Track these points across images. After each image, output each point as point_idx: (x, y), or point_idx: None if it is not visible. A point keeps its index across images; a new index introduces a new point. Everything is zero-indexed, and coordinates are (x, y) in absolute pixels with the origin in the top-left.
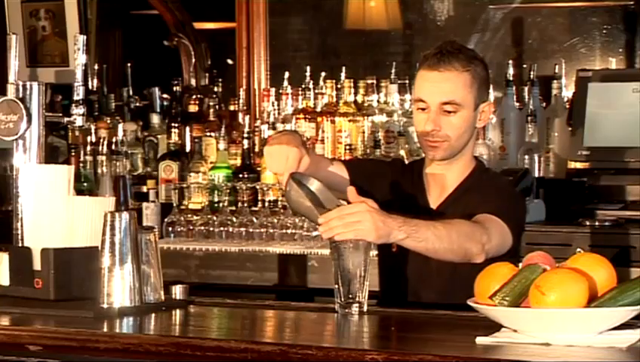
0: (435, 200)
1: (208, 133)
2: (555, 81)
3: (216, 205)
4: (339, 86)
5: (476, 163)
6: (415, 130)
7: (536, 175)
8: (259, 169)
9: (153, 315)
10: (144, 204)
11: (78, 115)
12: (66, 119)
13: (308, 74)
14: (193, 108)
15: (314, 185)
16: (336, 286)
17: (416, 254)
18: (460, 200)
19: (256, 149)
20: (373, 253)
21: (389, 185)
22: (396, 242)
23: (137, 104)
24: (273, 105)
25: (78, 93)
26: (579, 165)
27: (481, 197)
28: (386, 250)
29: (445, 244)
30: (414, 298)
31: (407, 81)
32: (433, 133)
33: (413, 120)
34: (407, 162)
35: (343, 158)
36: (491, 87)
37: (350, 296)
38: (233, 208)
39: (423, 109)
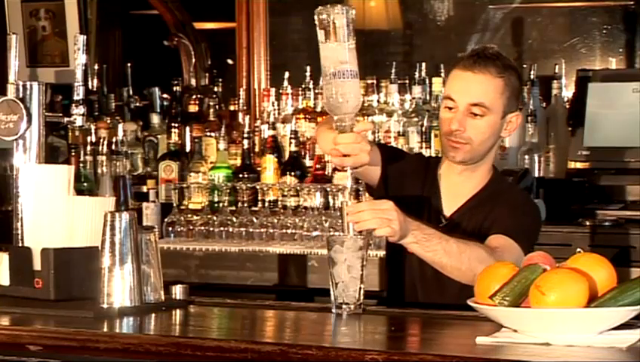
0: (448, 207)
1: (208, 133)
2: (555, 81)
3: (216, 205)
4: None
5: (493, 172)
6: (440, 128)
7: (536, 175)
8: (259, 169)
9: (153, 315)
10: (144, 204)
11: (78, 115)
12: (66, 119)
13: (308, 74)
14: (193, 108)
15: None
16: (333, 286)
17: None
18: (474, 212)
19: (257, 149)
20: (372, 253)
21: (412, 183)
22: (405, 245)
23: (137, 104)
24: (273, 105)
25: (78, 93)
26: (579, 165)
27: (498, 213)
28: (399, 251)
29: (453, 262)
30: (428, 300)
31: (407, 81)
32: (457, 133)
33: (439, 120)
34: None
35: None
36: None
37: (347, 295)
38: (233, 208)
39: (451, 108)
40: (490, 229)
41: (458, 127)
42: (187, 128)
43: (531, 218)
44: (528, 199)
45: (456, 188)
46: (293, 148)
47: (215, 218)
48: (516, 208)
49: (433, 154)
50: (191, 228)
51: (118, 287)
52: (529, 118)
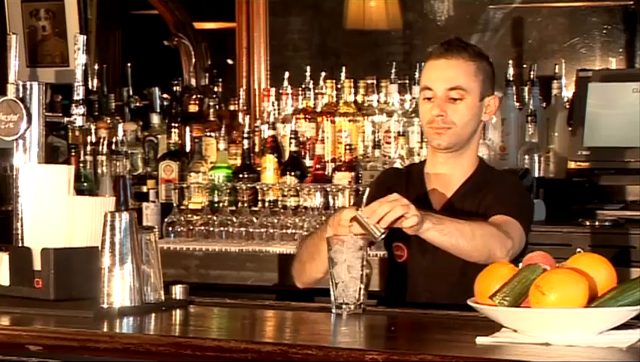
0: (438, 200)
1: (208, 133)
2: (555, 81)
3: (216, 205)
4: (339, 86)
5: (480, 162)
6: (421, 121)
7: (536, 175)
8: (259, 169)
9: (153, 315)
10: (144, 204)
11: (78, 115)
12: (66, 119)
13: (308, 74)
14: (193, 108)
15: None
16: (333, 286)
17: (424, 264)
18: (467, 199)
19: (257, 149)
20: (372, 253)
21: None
22: (422, 233)
23: (137, 104)
24: (273, 105)
25: (78, 93)
26: (579, 165)
27: (492, 197)
28: (393, 259)
29: (468, 241)
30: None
31: (407, 81)
32: (439, 118)
33: (419, 113)
34: (401, 167)
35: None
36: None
37: (347, 295)
38: (233, 208)
39: (429, 98)
40: (484, 215)
41: (439, 112)
42: (187, 128)
43: (525, 198)
44: (518, 182)
45: (444, 180)
46: (293, 148)
47: (215, 218)
48: (510, 190)
49: None
50: (191, 228)
51: (118, 287)
52: (529, 118)
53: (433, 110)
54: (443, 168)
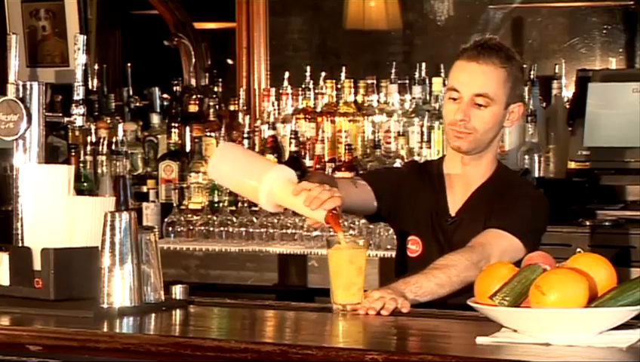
0: (455, 202)
1: (208, 133)
2: (555, 81)
3: (216, 205)
4: (339, 86)
5: (498, 164)
6: (444, 119)
7: (536, 175)
8: None
9: (153, 315)
10: (144, 204)
11: (78, 115)
12: (66, 119)
13: (308, 74)
14: (193, 108)
15: None
16: (332, 284)
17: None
18: (482, 204)
19: (257, 149)
20: (372, 253)
21: (411, 192)
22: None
23: (137, 104)
24: (273, 105)
25: (78, 93)
26: (579, 165)
27: (499, 208)
28: (404, 253)
29: (447, 289)
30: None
31: (407, 81)
32: (462, 123)
33: (442, 109)
34: (421, 162)
35: (359, 174)
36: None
37: (347, 296)
38: (233, 208)
39: (455, 99)
40: (486, 224)
41: (463, 117)
42: (187, 128)
43: (531, 208)
44: (534, 191)
45: (463, 179)
46: (293, 148)
47: (215, 218)
48: (519, 205)
49: (434, 154)
50: (191, 228)
51: (118, 287)
52: (529, 118)
53: (457, 114)
54: (463, 167)
